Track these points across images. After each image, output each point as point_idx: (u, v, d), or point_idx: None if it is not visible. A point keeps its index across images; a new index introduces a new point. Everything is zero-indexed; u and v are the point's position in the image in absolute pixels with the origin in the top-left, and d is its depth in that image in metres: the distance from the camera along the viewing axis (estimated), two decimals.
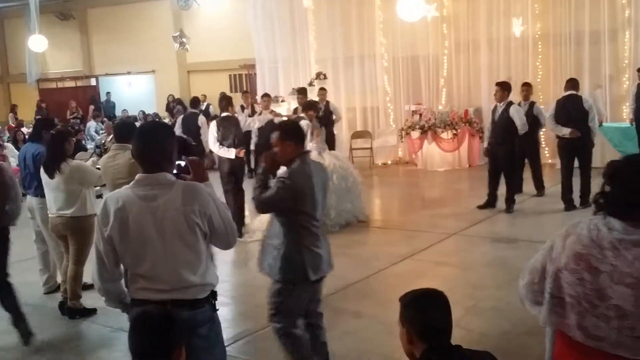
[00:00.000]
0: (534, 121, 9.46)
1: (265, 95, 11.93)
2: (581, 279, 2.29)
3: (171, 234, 2.89)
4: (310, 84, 13.48)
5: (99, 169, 5.93)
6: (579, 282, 2.29)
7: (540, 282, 2.50)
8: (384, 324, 5.38)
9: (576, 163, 8.93)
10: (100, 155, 12.78)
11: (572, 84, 9.06)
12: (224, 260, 6.73)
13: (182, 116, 12.16)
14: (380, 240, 8.25)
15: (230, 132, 8.47)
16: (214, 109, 17.86)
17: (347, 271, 6.77)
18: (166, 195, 2.90)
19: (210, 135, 8.61)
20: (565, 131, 8.75)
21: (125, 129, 5.44)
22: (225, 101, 8.83)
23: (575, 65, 12.56)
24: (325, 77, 13.81)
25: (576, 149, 8.78)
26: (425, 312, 2.44)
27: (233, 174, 8.55)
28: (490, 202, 9.20)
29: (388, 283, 6.59)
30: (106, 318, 5.65)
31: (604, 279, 2.24)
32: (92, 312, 5.87)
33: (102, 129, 16.76)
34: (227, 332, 5.31)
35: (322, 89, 12.56)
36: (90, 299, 5.91)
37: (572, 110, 8.77)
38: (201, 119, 11.60)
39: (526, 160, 10.02)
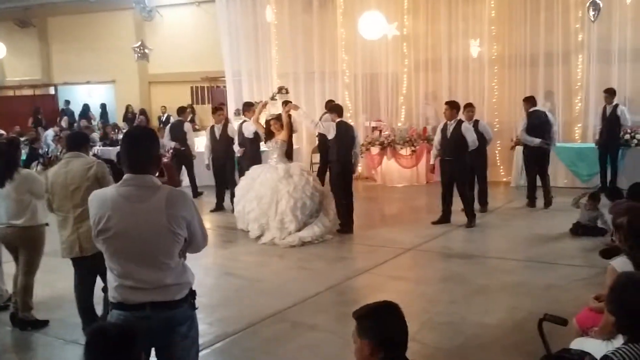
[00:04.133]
0: (480, 138, 9.76)
1: (247, 104, 11.97)
2: None
3: (152, 235, 2.96)
4: (272, 98, 13.51)
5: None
6: None
7: None
8: (341, 337, 5.40)
9: None
10: (44, 165, 12.64)
11: (533, 101, 10.57)
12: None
13: (169, 125, 13.07)
14: (338, 255, 8.31)
15: None
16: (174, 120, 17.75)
17: (304, 285, 6.83)
18: (151, 198, 2.98)
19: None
20: (537, 141, 10.21)
21: (78, 138, 5.52)
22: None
23: (530, 86, 12.92)
24: (287, 92, 13.86)
25: (539, 157, 10.37)
26: (384, 323, 2.47)
27: None
28: (445, 218, 9.43)
29: (345, 297, 6.64)
30: (58, 330, 5.58)
31: None
32: (44, 323, 5.76)
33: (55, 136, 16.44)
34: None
35: (287, 102, 12.59)
36: (41, 311, 5.82)
37: (538, 124, 10.23)
38: (187, 125, 12.34)
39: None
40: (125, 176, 3.05)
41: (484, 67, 13.36)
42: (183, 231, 3.04)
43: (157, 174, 3.17)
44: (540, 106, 11.09)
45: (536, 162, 10.44)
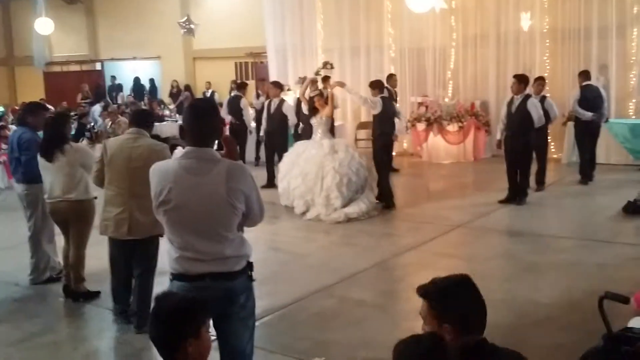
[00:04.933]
0: (544, 115, 9.45)
1: (274, 82, 11.91)
2: None
3: (211, 208, 2.98)
4: (317, 73, 13.42)
5: None
6: None
7: None
8: (388, 313, 5.39)
9: None
10: (91, 139, 12.83)
11: (587, 75, 10.47)
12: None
13: (227, 99, 13.35)
14: (385, 231, 8.24)
15: None
16: (219, 97, 17.83)
17: (350, 261, 6.80)
18: (212, 171, 2.99)
19: None
20: (589, 115, 10.14)
21: (144, 116, 5.43)
22: None
23: (583, 60, 12.50)
24: (332, 67, 13.76)
25: (591, 131, 10.35)
26: (464, 303, 2.25)
27: None
28: (512, 196, 9.06)
29: (392, 274, 6.60)
30: (110, 301, 5.66)
31: None
32: (95, 295, 5.86)
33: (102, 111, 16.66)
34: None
35: (327, 77, 12.47)
36: (92, 283, 5.92)
37: (591, 98, 10.19)
38: (243, 101, 12.49)
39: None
40: (187, 149, 3.06)
41: (535, 41, 12.96)
42: (241, 205, 3.04)
43: (216, 148, 3.16)
44: (595, 80, 10.77)
45: (587, 136, 10.41)
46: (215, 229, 3.01)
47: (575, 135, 10.86)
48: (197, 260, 3.02)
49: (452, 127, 12.93)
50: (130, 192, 4.88)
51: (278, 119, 11.00)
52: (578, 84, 10.47)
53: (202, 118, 3.08)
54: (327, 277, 6.25)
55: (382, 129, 9.19)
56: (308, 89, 10.26)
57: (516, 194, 9.04)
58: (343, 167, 8.79)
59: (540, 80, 10.00)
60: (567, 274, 6.16)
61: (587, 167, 10.42)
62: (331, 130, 9.62)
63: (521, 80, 9.02)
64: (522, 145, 8.88)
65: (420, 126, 13.28)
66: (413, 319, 5.23)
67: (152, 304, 2.45)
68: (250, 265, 3.20)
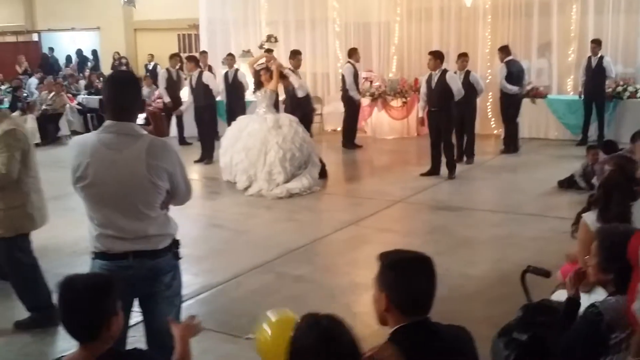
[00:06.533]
0: (470, 89, 9.72)
1: (190, 57, 11.81)
2: None
3: (131, 185, 2.89)
4: (261, 47, 13.27)
5: None
6: None
7: None
8: (326, 289, 5.42)
9: None
10: (23, 111, 12.45)
11: (508, 50, 10.91)
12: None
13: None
14: (326, 207, 8.27)
15: None
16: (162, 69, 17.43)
17: (291, 237, 6.81)
18: (131, 146, 2.88)
19: None
20: (515, 89, 10.68)
21: None
22: None
23: (524, 36, 12.73)
24: (276, 40, 13.61)
25: (514, 104, 10.89)
26: (409, 281, 2.18)
27: None
28: (434, 170, 9.35)
29: (331, 249, 6.63)
30: None
31: None
32: None
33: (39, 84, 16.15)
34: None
35: (269, 50, 12.34)
36: None
37: (516, 72, 10.71)
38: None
39: None
40: (106, 122, 2.95)
41: (478, 17, 13.10)
42: (164, 182, 2.95)
43: (143, 123, 3.08)
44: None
45: (512, 109, 10.87)
46: (136, 207, 2.92)
47: (501, 109, 11.15)
48: (118, 239, 2.94)
49: (396, 103, 12.99)
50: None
51: (202, 91, 10.87)
52: (500, 60, 10.84)
53: (121, 90, 2.97)
54: (267, 253, 6.24)
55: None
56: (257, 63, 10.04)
57: (438, 168, 9.33)
58: (287, 143, 8.76)
59: (464, 56, 10.19)
60: (500, 247, 6.32)
61: (512, 138, 10.92)
62: (275, 105, 9.56)
63: (437, 56, 9.25)
64: (445, 118, 9.12)
65: (365, 101, 13.29)
66: (350, 294, 5.34)
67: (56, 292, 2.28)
68: (176, 243, 3.12)
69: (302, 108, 9.65)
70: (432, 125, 9.29)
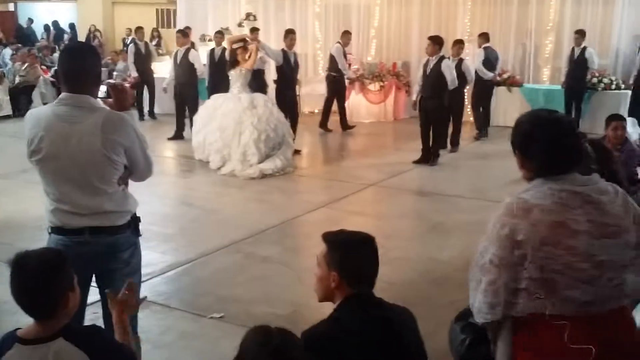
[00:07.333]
0: (461, 78, 9.66)
1: (180, 31, 11.58)
2: (566, 248, 2.12)
3: (85, 160, 2.81)
4: (240, 25, 13.11)
5: None
6: (564, 252, 2.12)
7: (503, 276, 2.19)
8: (293, 270, 5.40)
9: None
10: None
11: (487, 37, 11.06)
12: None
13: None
14: (299, 188, 8.23)
15: None
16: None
17: (261, 217, 6.77)
18: (87, 120, 2.80)
19: None
20: (490, 75, 10.91)
21: None
22: None
23: (503, 24, 12.74)
24: (255, 19, 13.45)
25: (487, 90, 11.23)
26: (358, 258, 2.35)
27: None
28: (425, 157, 9.16)
29: (301, 230, 6.61)
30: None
31: (585, 239, 2.13)
32: None
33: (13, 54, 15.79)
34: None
35: (255, 29, 12.17)
36: None
37: (492, 59, 10.93)
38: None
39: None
40: (62, 95, 2.86)
41: (459, 3, 13.08)
42: (120, 157, 2.87)
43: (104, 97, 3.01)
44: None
45: (485, 94, 11.18)
46: (91, 182, 2.84)
47: (473, 94, 11.30)
48: (74, 214, 2.88)
49: (374, 87, 12.96)
50: None
51: (186, 68, 10.73)
52: (478, 46, 11.03)
53: (76, 61, 2.88)
54: (236, 233, 6.20)
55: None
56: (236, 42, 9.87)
57: (430, 155, 9.17)
58: (262, 123, 8.68)
59: (459, 43, 10.13)
60: (469, 233, 6.31)
61: (483, 123, 11.22)
62: (250, 85, 9.45)
63: (436, 41, 9.05)
64: (436, 106, 8.99)
65: None
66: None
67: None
68: (136, 219, 3.06)
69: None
70: (423, 113, 9.11)
